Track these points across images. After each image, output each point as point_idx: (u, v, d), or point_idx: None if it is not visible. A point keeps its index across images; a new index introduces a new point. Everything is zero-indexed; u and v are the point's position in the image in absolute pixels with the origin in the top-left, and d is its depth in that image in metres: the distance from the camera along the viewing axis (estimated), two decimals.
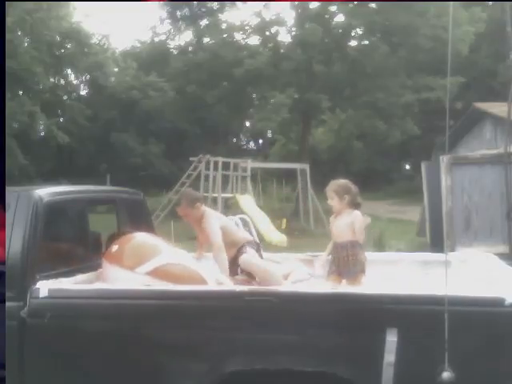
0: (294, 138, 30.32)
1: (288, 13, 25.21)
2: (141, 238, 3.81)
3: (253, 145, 42.17)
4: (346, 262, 3.85)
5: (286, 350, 2.86)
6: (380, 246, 11.71)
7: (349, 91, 24.22)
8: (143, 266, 3.45)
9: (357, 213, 3.95)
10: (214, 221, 4.10)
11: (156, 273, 3.42)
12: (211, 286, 3.38)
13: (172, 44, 29.21)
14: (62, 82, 31.95)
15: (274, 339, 2.87)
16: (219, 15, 25.36)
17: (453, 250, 7.73)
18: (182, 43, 28.40)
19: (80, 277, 3.51)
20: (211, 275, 3.47)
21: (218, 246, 3.99)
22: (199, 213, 4.16)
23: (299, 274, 4.12)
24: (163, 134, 31.16)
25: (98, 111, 29.87)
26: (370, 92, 22.74)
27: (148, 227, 4.75)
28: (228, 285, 3.47)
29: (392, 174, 34.53)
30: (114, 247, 3.66)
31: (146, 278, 3.40)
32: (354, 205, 3.99)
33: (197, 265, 3.56)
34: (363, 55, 22.63)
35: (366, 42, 23.89)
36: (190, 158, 19.29)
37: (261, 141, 41.64)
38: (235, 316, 2.94)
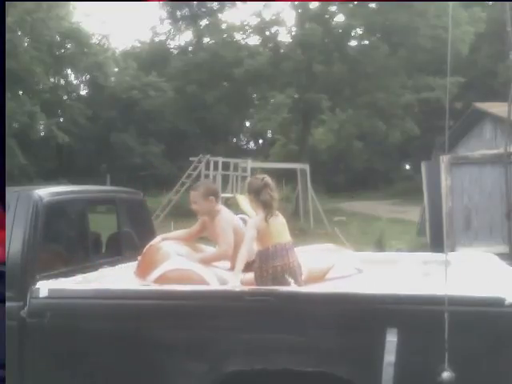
0: (294, 138, 30.32)
1: (288, 13, 25.24)
2: (156, 246, 3.77)
3: (253, 145, 42.24)
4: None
5: (285, 350, 2.86)
6: (380, 246, 11.72)
7: (349, 91, 24.22)
8: (152, 274, 3.48)
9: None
10: (229, 227, 3.81)
11: (162, 279, 3.41)
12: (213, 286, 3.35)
13: (172, 44, 29.28)
14: (62, 82, 31.95)
15: (274, 339, 2.86)
16: (219, 15, 25.38)
17: (453, 250, 7.74)
18: (182, 43, 28.46)
19: (80, 277, 3.51)
20: (215, 279, 3.41)
21: (227, 255, 3.75)
22: (211, 207, 3.89)
23: (341, 269, 3.77)
24: (163, 134, 31.17)
25: (98, 111, 29.87)
26: (370, 92, 22.74)
27: (148, 227, 4.76)
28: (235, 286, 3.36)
29: (392, 173, 34.56)
30: (138, 259, 3.77)
31: (153, 286, 3.41)
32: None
33: (202, 269, 3.49)
34: (363, 55, 22.63)
35: (366, 42, 23.89)
36: (190, 158, 19.32)
37: (261, 141, 41.68)
38: (235, 316, 2.94)
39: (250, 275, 3.39)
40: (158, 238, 3.90)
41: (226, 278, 3.41)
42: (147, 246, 3.82)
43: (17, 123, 22.52)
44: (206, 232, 4.03)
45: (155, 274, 3.47)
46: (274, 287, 3.16)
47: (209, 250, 4.02)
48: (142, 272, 3.61)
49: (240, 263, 3.30)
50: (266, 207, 3.36)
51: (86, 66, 29.09)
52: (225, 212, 3.94)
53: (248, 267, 3.42)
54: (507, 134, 8.62)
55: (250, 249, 3.34)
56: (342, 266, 3.75)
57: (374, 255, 5.18)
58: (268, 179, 3.46)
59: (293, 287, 3.20)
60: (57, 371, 3.12)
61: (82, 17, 35.78)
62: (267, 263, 3.30)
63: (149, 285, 3.42)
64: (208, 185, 4.12)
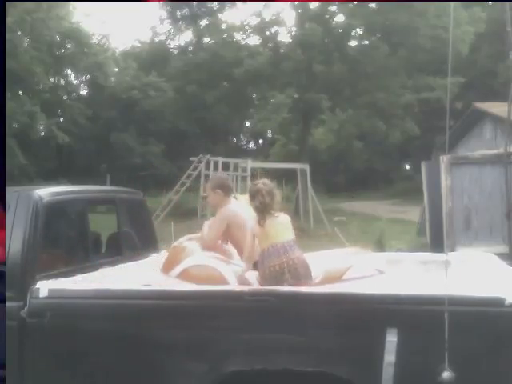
0: (294, 138, 30.31)
1: (288, 13, 25.24)
2: (181, 245, 3.93)
3: (253, 145, 42.25)
4: None
5: (285, 350, 2.86)
6: (380, 246, 11.71)
7: (349, 91, 24.21)
8: (174, 269, 3.61)
9: None
10: (222, 222, 3.90)
11: (183, 275, 3.54)
12: (232, 286, 3.34)
13: (172, 44, 29.24)
14: (62, 82, 31.94)
15: (274, 339, 2.87)
16: (219, 15, 25.37)
17: (453, 250, 7.74)
18: (182, 43, 28.43)
19: (80, 277, 3.50)
20: (233, 276, 3.46)
21: (206, 245, 3.88)
22: (218, 200, 3.99)
23: (360, 269, 3.67)
24: (163, 133, 31.17)
25: (98, 111, 29.86)
26: (370, 92, 22.74)
27: (148, 227, 4.76)
28: (252, 284, 3.44)
29: (392, 173, 34.56)
30: (164, 254, 3.98)
31: (175, 281, 3.52)
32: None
33: (222, 266, 3.55)
34: (363, 55, 22.62)
35: (366, 42, 23.88)
36: (190, 158, 19.31)
37: (261, 141, 41.68)
38: (235, 316, 2.94)
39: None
40: (183, 238, 4.03)
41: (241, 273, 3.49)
42: (172, 245, 3.97)
43: (17, 123, 22.51)
44: None
45: (178, 269, 3.59)
46: (273, 287, 3.16)
47: (232, 249, 4.08)
48: (166, 268, 3.73)
49: (245, 266, 3.54)
50: (258, 212, 3.52)
51: (86, 66, 29.07)
52: (228, 206, 3.96)
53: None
54: (507, 133, 8.61)
55: (251, 251, 3.49)
56: (361, 267, 3.71)
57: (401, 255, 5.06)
58: (260, 185, 3.58)
59: (293, 287, 3.20)
60: (57, 371, 3.12)
61: (82, 17, 35.81)
62: (264, 263, 3.40)
63: (150, 284, 3.42)
64: (217, 178, 4.27)
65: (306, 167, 19.64)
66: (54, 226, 3.61)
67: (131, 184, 14.30)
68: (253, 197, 3.56)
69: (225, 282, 3.39)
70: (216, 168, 17.82)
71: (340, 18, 24.18)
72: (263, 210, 3.50)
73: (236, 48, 23.51)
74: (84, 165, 28.72)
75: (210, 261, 3.61)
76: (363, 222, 18.23)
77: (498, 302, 2.71)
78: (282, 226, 3.52)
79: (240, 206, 4.01)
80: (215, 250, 3.86)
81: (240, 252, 3.86)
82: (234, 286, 3.35)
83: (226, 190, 3.99)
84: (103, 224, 4.73)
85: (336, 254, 4.19)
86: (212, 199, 4.01)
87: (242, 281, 3.44)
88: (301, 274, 3.38)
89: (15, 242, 3.26)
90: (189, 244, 3.91)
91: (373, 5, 22.92)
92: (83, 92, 34.15)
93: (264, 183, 3.61)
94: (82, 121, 28.40)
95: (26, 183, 17.11)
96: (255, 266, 3.54)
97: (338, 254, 4.19)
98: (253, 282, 3.46)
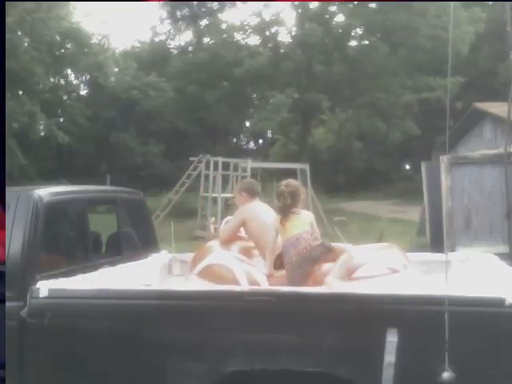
0: (294, 138, 30.33)
1: (288, 13, 25.34)
2: (208, 244, 4.18)
3: (253, 145, 42.19)
4: None
5: (285, 350, 2.86)
6: None
7: (349, 91, 24.23)
8: (196, 268, 3.77)
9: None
10: (237, 218, 4.15)
11: (202, 273, 3.64)
12: (243, 286, 3.33)
13: (172, 44, 29.32)
14: (62, 82, 31.93)
15: (274, 339, 2.87)
16: (219, 15, 25.43)
17: (453, 250, 7.72)
18: (182, 43, 28.52)
19: (80, 277, 3.50)
20: (244, 276, 3.47)
21: (222, 239, 4.16)
22: (241, 201, 4.26)
23: (371, 268, 3.60)
24: (163, 134, 31.13)
25: (98, 111, 29.84)
26: (370, 92, 22.76)
27: (148, 227, 4.76)
28: (263, 285, 3.48)
29: (392, 173, 34.52)
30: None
31: (196, 279, 3.64)
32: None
33: (236, 265, 3.57)
34: (363, 55, 22.65)
35: (366, 42, 23.91)
36: (190, 158, 19.27)
37: (261, 141, 41.65)
38: (235, 316, 2.94)
39: (281, 272, 3.62)
40: (212, 242, 4.29)
41: (253, 273, 3.55)
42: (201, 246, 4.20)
43: (17, 123, 22.51)
44: None
45: (200, 266, 3.74)
46: (274, 287, 3.17)
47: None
48: (192, 266, 3.90)
49: (268, 262, 3.73)
50: (280, 212, 3.73)
51: (85, 66, 29.04)
52: (246, 204, 4.19)
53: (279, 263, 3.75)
54: (507, 133, 8.60)
55: (272, 247, 3.71)
56: (373, 265, 3.64)
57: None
58: (283, 187, 3.77)
59: (294, 287, 3.21)
60: (57, 371, 3.12)
61: (81, 17, 35.78)
62: (285, 258, 3.56)
63: (150, 285, 3.42)
64: (244, 182, 4.71)
65: (306, 167, 19.60)
66: (54, 226, 3.60)
67: (131, 184, 14.25)
68: (277, 198, 3.77)
69: (237, 283, 3.40)
70: (216, 168, 17.79)
71: (340, 18, 24.25)
72: (285, 210, 3.71)
73: (236, 48, 23.54)
74: (84, 165, 28.70)
75: (228, 260, 3.67)
76: (363, 222, 18.19)
77: (498, 302, 2.71)
78: (300, 220, 3.73)
79: (260, 205, 4.25)
80: (232, 243, 4.08)
81: (258, 248, 4.03)
82: (241, 286, 3.34)
83: (250, 192, 4.27)
84: (103, 224, 4.73)
85: (365, 249, 4.14)
86: (238, 200, 4.31)
87: (270, 281, 3.55)
88: (317, 255, 3.51)
89: (15, 241, 3.25)
90: (214, 243, 4.14)
91: (373, 5, 22.96)
92: (83, 92, 34.15)
93: (287, 185, 3.79)
94: (82, 121, 28.39)
95: (26, 183, 17.09)
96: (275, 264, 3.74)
97: (366, 250, 4.12)
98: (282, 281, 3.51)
